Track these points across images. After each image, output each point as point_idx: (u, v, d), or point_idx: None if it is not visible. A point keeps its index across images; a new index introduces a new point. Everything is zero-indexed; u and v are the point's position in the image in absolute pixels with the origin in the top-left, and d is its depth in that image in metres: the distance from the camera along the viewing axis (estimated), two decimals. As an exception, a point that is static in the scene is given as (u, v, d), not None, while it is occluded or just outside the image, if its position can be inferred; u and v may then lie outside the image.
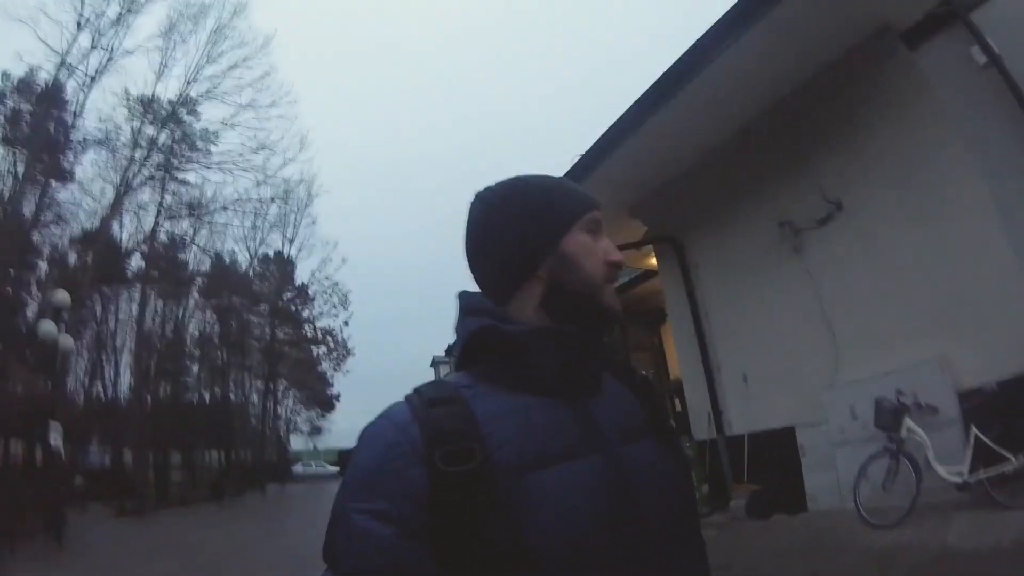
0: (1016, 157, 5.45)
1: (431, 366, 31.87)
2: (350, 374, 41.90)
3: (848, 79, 6.49)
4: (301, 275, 37.05)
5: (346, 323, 39.23)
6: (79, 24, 17.17)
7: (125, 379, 28.22)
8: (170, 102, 22.54)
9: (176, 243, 28.12)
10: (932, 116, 5.89)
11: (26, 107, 21.76)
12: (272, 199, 29.90)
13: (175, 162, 23.23)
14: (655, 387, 0.99)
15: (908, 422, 5.48)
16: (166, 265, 27.25)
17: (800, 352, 6.93)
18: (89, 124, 20.57)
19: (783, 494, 6.77)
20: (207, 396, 32.74)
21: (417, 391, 0.81)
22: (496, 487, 0.71)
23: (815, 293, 6.77)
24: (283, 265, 35.22)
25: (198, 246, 29.14)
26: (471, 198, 0.96)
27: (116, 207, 21.39)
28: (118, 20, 18.21)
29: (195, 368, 31.95)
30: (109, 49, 18.54)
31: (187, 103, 22.52)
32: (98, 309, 25.62)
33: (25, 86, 22.01)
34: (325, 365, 40.99)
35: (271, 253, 35.04)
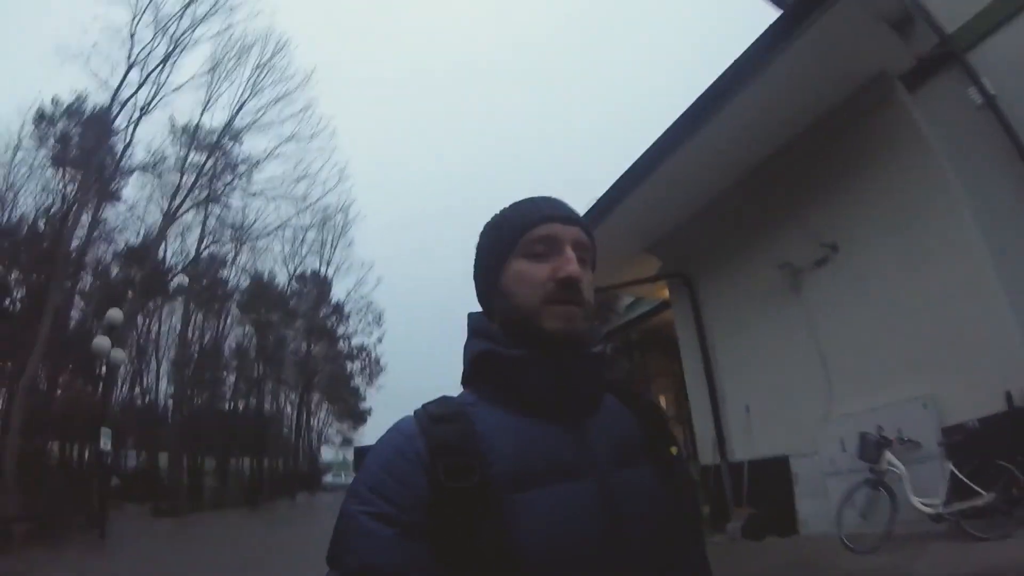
0: (1010, 197, 5.80)
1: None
2: (382, 389, 42.83)
3: (844, 127, 6.93)
4: (337, 293, 38.18)
5: (379, 340, 40.41)
6: (129, 62, 18.35)
7: (163, 386, 29.55)
8: (213, 131, 23.76)
9: (217, 262, 29.30)
10: (925, 161, 6.28)
11: (76, 131, 23.25)
12: (311, 226, 30.87)
13: (219, 187, 24.37)
14: (659, 411, 0.98)
15: (888, 455, 5.88)
16: (207, 281, 28.38)
17: (797, 387, 7.36)
18: (138, 152, 21.80)
19: (776, 518, 7.20)
20: (242, 406, 33.75)
21: (425, 407, 0.87)
22: (490, 503, 0.75)
23: (812, 332, 7.22)
24: (319, 284, 36.23)
25: (238, 267, 30.43)
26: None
27: (163, 229, 22.52)
28: (166, 58, 19.41)
29: (231, 379, 33.05)
30: (157, 84, 19.76)
31: (231, 132, 23.67)
32: (139, 319, 26.79)
33: (74, 111, 23.52)
34: (358, 380, 42.14)
35: (308, 272, 36.18)
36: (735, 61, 6.61)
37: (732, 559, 6.67)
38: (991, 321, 5.64)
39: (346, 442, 45.83)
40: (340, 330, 39.08)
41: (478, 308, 0.98)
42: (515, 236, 0.91)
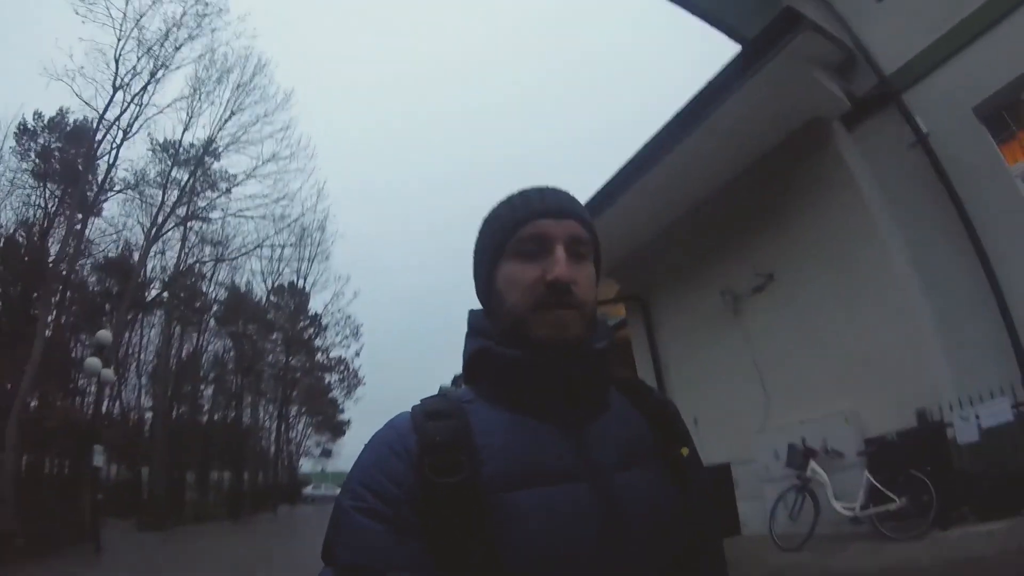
0: (938, 232, 6.42)
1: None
2: (360, 401, 43.40)
3: (784, 166, 7.66)
4: (315, 305, 38.42)
5: (357, 353, 41.21)
6: (115, 86, 18.84)
7: (141, 399, 29.72)
8: (192, 145, 24.28)
9: (196, 275, 29.63)
10: (856, 199, 6.96)
11: (56, 145, 23.63)
12: (288, 244, 31.23)
13: (198, 203, 24.82)
14: (669, 410, 0.95)
15: (813, 464, 6.64)
16: (185, 294, 28.70)
17: (738, 401, 8.10)
18: (121, 169, 22.20)
19: (721, 520, 7.88)
20: (221, 418, 33.96)
21: (421, 403, 0.86)
22: (479, 501, 0.74)
23: (751, 352, 7.99)
24: (297, 296, 36.51)
25: (216, 282, 30.84)
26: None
27: (146, 248, 22.96)
28: (150, 81, 19.92)
29: (209, 391, 33.35)
30: (140, 104, 20.23)
31: (211, 150, 24.16)
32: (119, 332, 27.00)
33: (56, 125, 23.90)
34: (336, 392, 42.73)
35: (286, 284, 36.47)
36: (688, 103, 7.29)
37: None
38: (912, 347, 6.32)
39: (325, 453, 46.12)
40: (318, 342, 39.47)
41: (469, 308, 0.96)
42: (505, 236, 0.89)
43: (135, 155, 36.73)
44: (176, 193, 23.94)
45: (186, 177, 24.11)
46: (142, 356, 30.14)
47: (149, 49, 19.74)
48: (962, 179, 6.41)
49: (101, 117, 18.97)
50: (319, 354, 39.96)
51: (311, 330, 38.67)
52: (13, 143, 23.20)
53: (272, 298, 35.58)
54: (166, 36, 20.09)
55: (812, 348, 7.30)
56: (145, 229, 23.76)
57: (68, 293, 22.84)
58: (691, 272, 9.11)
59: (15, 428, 13.29)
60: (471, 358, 0.90)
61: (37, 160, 23.32)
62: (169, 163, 24.02)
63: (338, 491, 0.84)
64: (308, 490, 47.61)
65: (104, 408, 26.01)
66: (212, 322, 32.24)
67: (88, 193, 19.61)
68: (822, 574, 5.71)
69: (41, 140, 23.89)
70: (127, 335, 27.26)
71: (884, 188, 6.98)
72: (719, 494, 8.10)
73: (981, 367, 6.00)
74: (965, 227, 6.29)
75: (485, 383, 0.88)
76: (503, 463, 0.77)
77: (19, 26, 43.63)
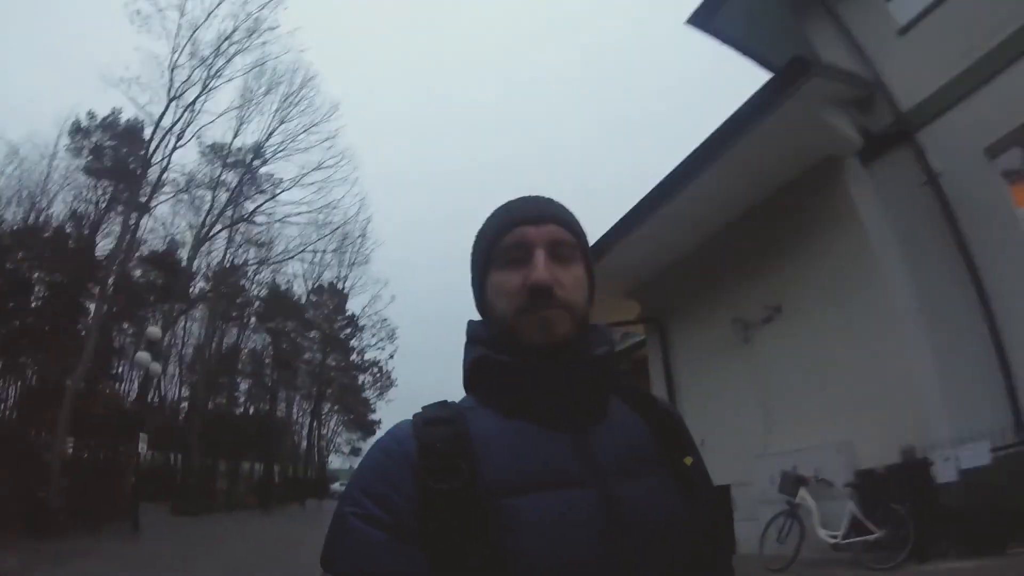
0: (945, 273, 6.63)
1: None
2: (392, 403, 43.56)
3: (796, 202, 7.96)
4: (352, 307, 39.10)
5: (391, 356, 41.34)
6: (170, 96, 19.85)
7: (179, 389, 30.92)
8: (240, 149, 25.37)
9: (239, 273, 30.69)
10: (863, 240, 7.21)
11: (109, 144, 24.96)
12: (330, 250, 32.01)
13: (246, 206, 25.90)
14: (674, 418, 0.93)
15: (803, 491, 6.94)
16: (227, 290, 29.80)
17: (741, 425, 8.43)
18: (171, 173, 23.30)
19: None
20: (255, 412, 35.09)
21: (422, 410, 0.86)
22: (479, 506, 0.73)
23: (756, 379, 8.34)
24: (336, 296, 37.34)
25: (258, 280, 31.92)
26: None
27: (195, 248, 24.10)
28: (203, 89, 20.91)
29: (245, 385, 34.45)
30: (192, 111, 21.22)
31: (259, 155, 25.20)
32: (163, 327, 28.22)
33: (108, 125, 25.28)
34: (369, 392, 43.27)
35: (325, 284, 37.24)
36: (707, 139, 7.61)
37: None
38: (908, 385, 6.58)
39: (354, 451, 46.78)
40: (354, 343, 40.23)
41: (468, 320, 0.97)
42: (490, 246, 0.91)
43: (185, 158, 38.13)
44: (225, 195, 24.99)
45: (234, 181, 25.18)
46: (183, 349, 31.50)
47: (203, 61, 20.70)
48: (971, 219, 6.62)
49: (157, 124, 19.96)
50: (354, 354, 40.77)
51: (348, 330, 39.53)
52: (67, 140, 24.75)
53: (312, 297, 36.61)
54: (218, 49, 21.03)
55: (813, 379, 7.59)
56: (194, 229, 24.94)
57: (115, 286, 24.06)
58: (706, 299, 9.48)
59: (68, 414, 14.16)
60: (470, 366, 0.91)
61: (90, 157, 24.64)
62: (219, 167, 25.14)
63: None
64: (335, 486, 48.28)
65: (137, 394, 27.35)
66: (252, 318, 33.29)
67: (141, 196, 20.61)
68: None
69: (94, 139, 25.24)
70: (171, 327, 28.42)
71: (893, 227, 7.22)
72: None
73: (974, 408, 6.20)
74: (968, 269, 6.49)
75: (485, 390, 0.88)
76: (503, 469, 0.77)
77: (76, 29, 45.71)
